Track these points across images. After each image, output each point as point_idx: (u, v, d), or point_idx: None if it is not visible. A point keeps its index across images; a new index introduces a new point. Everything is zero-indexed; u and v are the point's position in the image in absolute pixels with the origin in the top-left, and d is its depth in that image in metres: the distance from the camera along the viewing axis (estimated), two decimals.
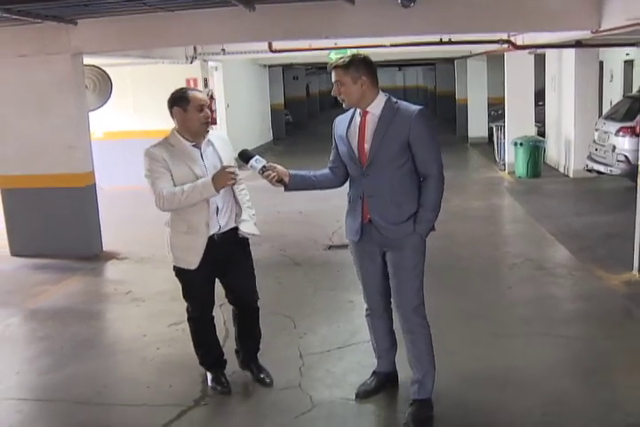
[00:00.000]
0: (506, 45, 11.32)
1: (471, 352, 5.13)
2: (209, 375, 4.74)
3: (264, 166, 4.16)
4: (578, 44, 10.96)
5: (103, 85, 10.18)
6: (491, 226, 9.86)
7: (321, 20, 7.48)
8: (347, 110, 4.28)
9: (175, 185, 4.24)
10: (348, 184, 4.34)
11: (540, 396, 4.41)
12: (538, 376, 4.72)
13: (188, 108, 4.26)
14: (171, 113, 4.35)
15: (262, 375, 4.71)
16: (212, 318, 4.69)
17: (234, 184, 4.28)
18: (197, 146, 4.38)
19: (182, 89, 4.43)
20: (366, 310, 4.49)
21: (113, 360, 5.32)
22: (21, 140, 8.37)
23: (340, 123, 4.29)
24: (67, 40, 8.00)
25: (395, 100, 4.16)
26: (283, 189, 4.29)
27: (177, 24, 7.76)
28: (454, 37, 11.23)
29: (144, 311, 6.42)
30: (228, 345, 5.01)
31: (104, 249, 8.70)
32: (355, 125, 4.18)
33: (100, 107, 10.25)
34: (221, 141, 4.52)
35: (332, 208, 10.36)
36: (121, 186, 12.66)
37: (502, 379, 4.68)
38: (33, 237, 8.60)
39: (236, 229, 4.48)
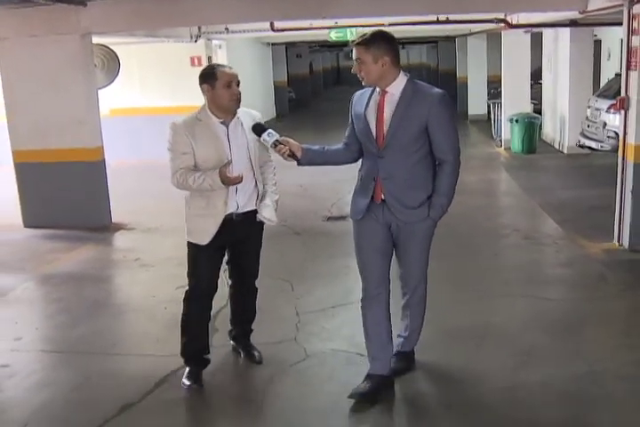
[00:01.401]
0: (501, 24, 11.65)
1: (456, 310, 5.56)
2: (186, 370, 4.53)
3: (277, 140, 4.12)
4: (572, 23, 11.28)
5: (111, 64, 10.55)
6: (485, 198, 10.24)
7: (319, 2, 7.81)
8: (365, 87, 4.16)
9: (196, 162, 4.24)
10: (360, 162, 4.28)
11: (513, 348, 4.86)
12: (514, 331, 5.17)
13: (215, 84, 4.20)
14: (202, 90, 4.32)
15: (253, 352, 4.72)
16: (210, 305, 4.56)
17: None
18: (225, 123, 4.30)
19: (211, 65, 4.40)
20: (362, 300, 4.35)
21: (125, 318, 5.78)
22: (34, 117, 8.73)
23: (359, 99, 4.17)
24: (76, 21, 8.35)
25: (416, 81, 4.08)
26: (295, 163, 4.21)
27: (182, 5, 8.10)
28: (451, 17, 11.53)
29: (152, 276, 6.84)
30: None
31: (113, 220, 9.09)
32: (374, 104, 4.07)
33: (108, 84, 10.61)
34: (250, 119, 4.36)
35: (331, 182, 10.78)
36: (126, 161, 13.05)
37: (482, 333, 5.12)
38: (45, 209, 8.97)
39: (255, 211, 4.42)
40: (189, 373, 4.49)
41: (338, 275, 6.71)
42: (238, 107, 4.31)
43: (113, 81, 10.73)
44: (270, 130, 4.18)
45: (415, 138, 3.99)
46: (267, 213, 4.42)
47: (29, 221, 9.06)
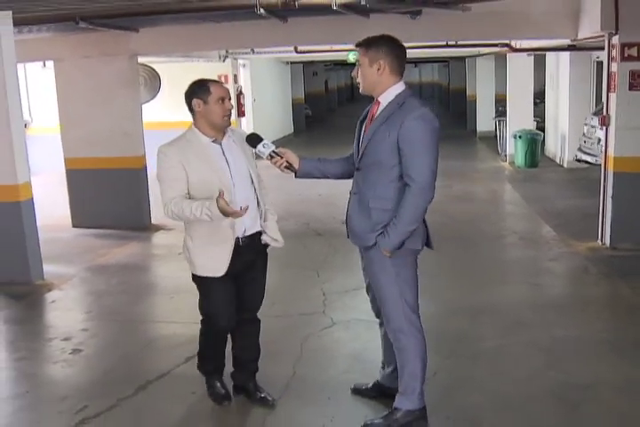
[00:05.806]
0: (505, 48, 12.71)
1: (458, 294, 6.59)
2: (204, 380, 4.60)
3: (273, 151, 3.92)
4: (570, 47, 12.29)
5: (153, 81, 11.64)
6: (489, 206, 11.26)
7: (341, 30, 8.85)
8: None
9: (190, 187, 3.96)
10: None
11: (504, 320, 5.89)
12: (505, 309, 6.20)
13: (208, 99, 3.95)
14: (189, 107, 4.03)
15: (263, 395, 4.47)
16: (228, 331, 4.38)
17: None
18: (217, 142, 4.05)
19: (202, 80, 4.04)
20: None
21: (178, 296, 6.78)
22: (85, 128, 9.84)
23: (365, 110, 3.97)
24: (126, 44, 9.47)
25: (410, 95, 3.77)
26: (293, 175, 4.05)
27: (220, 31, 9.16)
28: (459, 41, 12.56)
29: None
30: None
31: (152, 222, 10.15)
32: (368, 114, 3.91)
33: (150, 100, 11.70)
34: (239, 135, 4.18)
35: (347, 191, 11.80)
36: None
37: (476, 310, 6.13)
38: (91, 211, 10.07)
39: (259, 233, 4.19)
40: (210, 385, 4.54)
41: (357, 266, 7.50)
42: (230, 124, 4.10)
43: (155, 97, 11.79)
44: (266, 140, 3.97)
45: (386, 156, 3.70)
46: (274, 234, 4.23)
47: (77, 222, 10.14)
